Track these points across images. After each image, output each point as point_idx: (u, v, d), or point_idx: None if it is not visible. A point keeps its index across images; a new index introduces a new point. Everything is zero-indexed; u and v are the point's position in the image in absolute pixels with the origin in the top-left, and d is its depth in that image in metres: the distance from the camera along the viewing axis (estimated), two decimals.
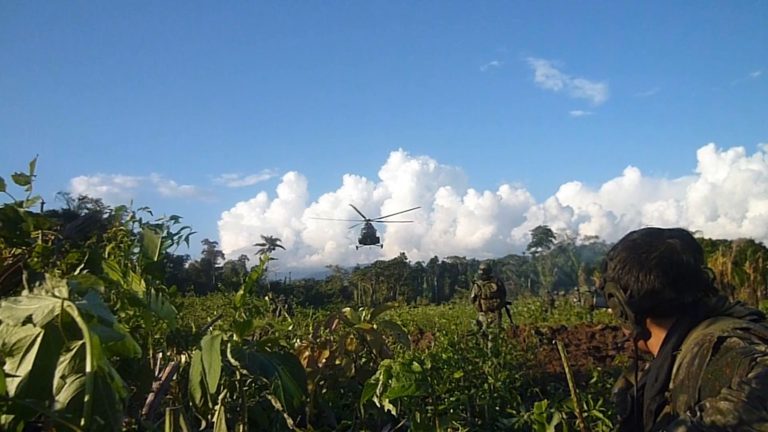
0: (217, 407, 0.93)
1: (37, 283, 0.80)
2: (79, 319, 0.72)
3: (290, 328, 6.41)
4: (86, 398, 0.67)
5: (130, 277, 2.00)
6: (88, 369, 0.68)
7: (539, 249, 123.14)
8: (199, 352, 0.95)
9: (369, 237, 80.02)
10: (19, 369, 0.77)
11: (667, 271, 1.55)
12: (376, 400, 1.21)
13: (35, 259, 1.87)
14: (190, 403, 0.98)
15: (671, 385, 1.48)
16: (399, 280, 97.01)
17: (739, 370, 1.29)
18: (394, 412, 1.17)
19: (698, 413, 1.27)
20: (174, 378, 2.46)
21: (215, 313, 16.31)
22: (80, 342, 0.76)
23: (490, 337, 7.74)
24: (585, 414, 3.83)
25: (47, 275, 0.80)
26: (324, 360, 2.11)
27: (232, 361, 0.94)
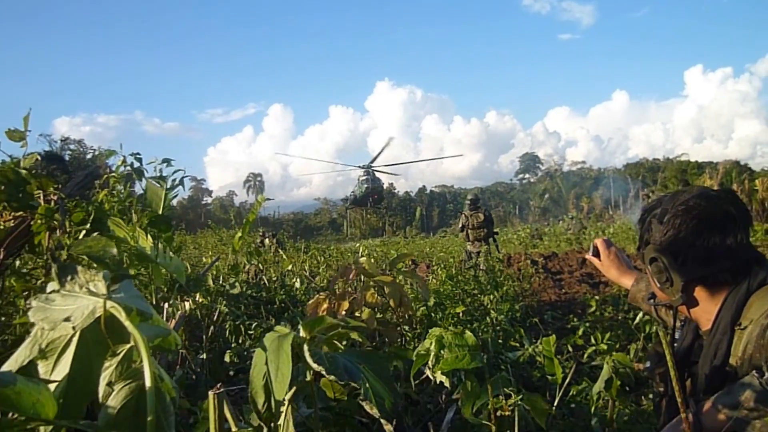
0: (283, 408, 0.85)
1: (69, 278, 0.71)
2: (127, 323, 0.63)
3: (289, 267, 6.38)
4: (149, 418, 0.59)
5: (135, 232, 1.91)
6: (147, 383, 0.60)
7: (527, 175, 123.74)
8: (262, 352, 0.86)
9: (375, 193, 56.64)
10: (55, 372, 0.69)
11: (725, 239, 1.43)
12: (428, 371, 1.16)
13: (38, 222, 1.77)
14: (251, 407, 0.90)
15: (734, 361, 1.37)
16: (388, 210, 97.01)
17: None
18: (447, 384, 1.13)
19: (766, 374, 1.21)
20: (181, 327, 2.43)
21: (208, 251, 16.31)
22: (127, 346, 0.68)
23: (484, 268, 7.77)
24: (594, 347, 3.88)
25: (79, 268, 0.70)
26: (343, 312, 2.08)
27: (314, 366, 0.85)
